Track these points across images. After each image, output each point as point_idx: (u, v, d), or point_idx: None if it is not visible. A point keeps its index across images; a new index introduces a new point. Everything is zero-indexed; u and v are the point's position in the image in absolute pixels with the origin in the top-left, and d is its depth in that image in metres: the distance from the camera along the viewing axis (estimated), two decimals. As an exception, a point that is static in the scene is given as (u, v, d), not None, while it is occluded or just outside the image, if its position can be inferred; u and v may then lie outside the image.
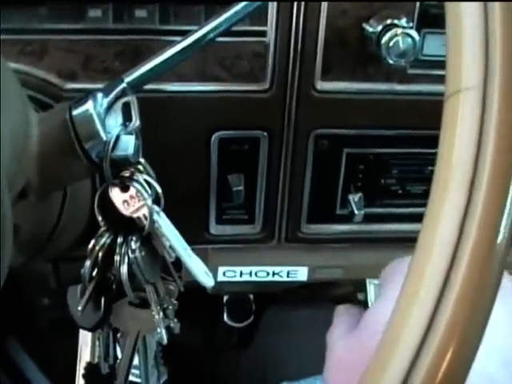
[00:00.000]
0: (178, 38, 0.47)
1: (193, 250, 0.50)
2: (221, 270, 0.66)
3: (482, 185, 0.23)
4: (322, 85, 0.61)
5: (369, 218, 0.67)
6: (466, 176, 0.23)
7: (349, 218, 0.66)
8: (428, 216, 0.25)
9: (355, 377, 0.36)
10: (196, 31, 0.47)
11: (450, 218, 0.24)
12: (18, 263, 0.50)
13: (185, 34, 0.47)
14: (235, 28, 0.55)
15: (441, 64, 0.61)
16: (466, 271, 0.24)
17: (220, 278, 0.66)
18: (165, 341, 0.48)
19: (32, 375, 1.08)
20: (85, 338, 0.50)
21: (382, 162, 0.66)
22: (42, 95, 0.56)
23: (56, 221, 0.50)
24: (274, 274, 0.68)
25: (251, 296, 0.75)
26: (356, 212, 0.65)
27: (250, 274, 0.67)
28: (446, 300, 0.24)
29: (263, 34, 0.59)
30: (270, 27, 0.58)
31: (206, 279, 0.47)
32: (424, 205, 0.69)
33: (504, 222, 0.24)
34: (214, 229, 0.66)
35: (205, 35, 0.48)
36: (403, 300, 0.26)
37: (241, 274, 0.67)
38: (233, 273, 0.67)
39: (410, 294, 0.25)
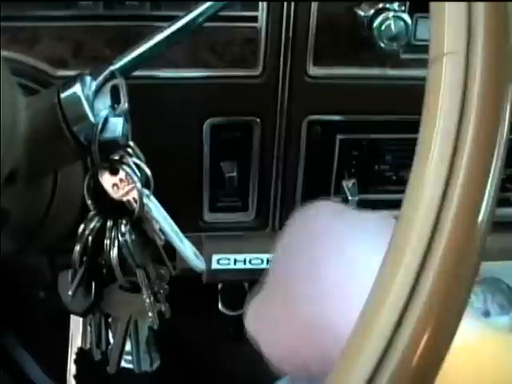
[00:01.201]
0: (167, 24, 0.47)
1: (186, 237, 0.50)
2: (215, 257, 0.66)
3: (465, 150, 0.23)
4: (314, 70, 0.61)
5: (363, 205, 0.66)
6: (449, 141, 0.23)
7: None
8: (410, 185, 0.25)
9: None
10: (184, 16, 0.47)
11: (431, 189, 0.24)
12: (9, 250, 0.50)
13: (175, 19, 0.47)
14: (226, 13, 0.55)
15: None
16: (445, 250, 0.24)
17: (214, 265, 0.66)
18: (156, 325, 0.48)
19: (28, 368, 1.08)
20: (76, 324, 0.50)
21: (376, 148, 0.66)
22: (33, 83, 0.55)
23: (46, 207, 0.49)
24: (268, 261, 0.68)
25: (246, 284, 0.75)
26: (350, 198, 0.65)
27: (244, 261, 0.67)
28: (422, 285, 0.24)
29: (255, 19, 0.58)
30: (262, 12, 0.58)
31: (198, 263, 0.47)
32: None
33: (487, 193, 0.23)
34: (208, 216, 0.66)
35: (194, 20, 0.47)
36: (379, 285, 0.25)
37: (235, 261, 0.67)
38: (227, 260, 0.67)
39: (387, 280, 0.25)
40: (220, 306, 0.69)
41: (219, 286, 0.73)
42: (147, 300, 0.47)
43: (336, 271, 0.41)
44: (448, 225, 0.23)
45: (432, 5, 0.23)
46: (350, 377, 0.24)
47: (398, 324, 0.23)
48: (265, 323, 0.45)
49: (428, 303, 0.23)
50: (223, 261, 0.67)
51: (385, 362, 0.23)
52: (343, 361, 0.25)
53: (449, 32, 0.22)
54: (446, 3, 0.23)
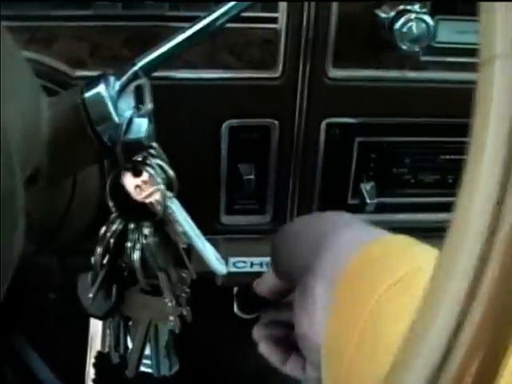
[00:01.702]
0: (186, 25, 0.46)
1: (203, 239, 0.49)
2: (231, 260, 0.65)
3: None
4: (333, 72, 0.60)
5: (380, 208, 0.66)
6: (504, 148, 0.22)
7: (360, 208, 0.65)
8: (460, 193, 0.24)
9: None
10: (206, 17, 0.47)
11: (486, 195, 0.23)
12: (27, 252, 0.49)
13: (194, 20, 0.46)
14: (246, 14, 0.54)
15: (454, 51, 0.61)
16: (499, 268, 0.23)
17: (230, 268, 0.65)
18: (178, 329, 0.47)
19: (38, 369, 1.08)
20: (95, 327, 0.49)
21: (394, 151, 0.65)
22: (51, 83, 0.55)
23: (66, 208, 0.49)
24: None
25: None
26: (368, 201, 0.64)
27: (261, 264, 0.66)
28: (478, 297, 0.23)
29: (274, 20, 0.58)
30: (282, 13, 0.58)
31: (220, 267, 0.46)
32: (436, 194, 0.69)
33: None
34: (225, 219, 0.65)
35: (216, 20, 0.47)
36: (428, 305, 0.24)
37: (251, 264, 0.66)
38: (243, 263, 0.66)
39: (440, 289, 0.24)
40: (235, 309, 0.68)
41: (234, 289, 0.72)
42: (169, 303, 0.46)
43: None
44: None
45: (482, 5, 0.23)
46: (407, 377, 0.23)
47: (454, 334, 0.22)
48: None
49: (479, 327, 0.22)
50: (239, 264, 0.66)
51: (443, 368, 0.22)
52: (398, 362, 0.24)
53: (501, 33, 0.22)
54: (497, 3, 0.22)
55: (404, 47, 0.58)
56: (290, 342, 0.60)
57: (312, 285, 0.46)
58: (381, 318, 0.39)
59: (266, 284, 0.59)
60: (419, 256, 0.42)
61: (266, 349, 0.61)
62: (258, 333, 0.62)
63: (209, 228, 0.63)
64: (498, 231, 0.22)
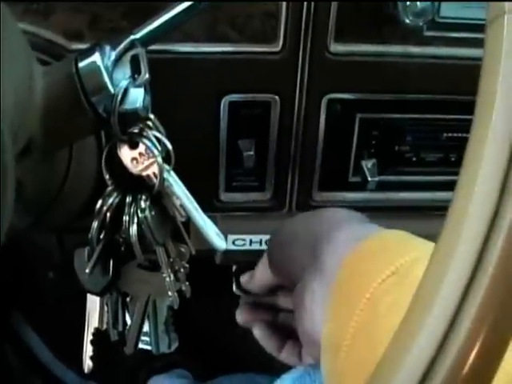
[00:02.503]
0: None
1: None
2: (230, 238, 0.64)
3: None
4: (335, 47, 0.59)
5: (382, 186, 0.65)
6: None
7: (362, 186, 0.64)
8: (463, 170, 0.23)
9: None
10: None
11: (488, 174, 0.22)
12: (22, 225, 0.48)
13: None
14: (246, -14, 0.53)
15: (458, 26, 0.59)
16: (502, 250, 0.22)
17: (229, 246, 0.64)
18: (177, 305, 0.46)
19: (37, 348, 1.07)
20: (93, 303, 0.49)
21: (396, 128, 0.64)
22: (47, 56, 0.54)
23: (61, 182, 0.48)
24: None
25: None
26: (369, 179, 0.63)
27: (260, 242, 0.66)
28: (478, 281, 0.22)
29: (275, -8, 0.56)
30: (283, -15, 0.56)
31: (219, 242, 0.45)
32: (439, 173, 0.68)
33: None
34: (224, 196, 0.64)
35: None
36: (430, 280, 0.23)
37: (250, 242, 0.65)
38: (242, 241, 0.65)
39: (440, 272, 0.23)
40: (234, 288, 0.68)
41: (233, 267, 0.72)
42: (167, 279, 0.45)
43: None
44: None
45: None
46: (397, 376, 0.22)
47: (452, 324, 0.21)
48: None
49: (484, 303, 0.22)
50: (239, 241, 0.65)
51: (436, 365, 0.21)
52: (388, 359, 0.23)
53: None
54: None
55: (407, 21, 0.57)
56: (284, 328, 0.60)
57: (311, 284, 0.46)
58: (377, 308, 0.39)
59: (258, 281, 0.60)
60: (415, 248, 0.42)
61: (261, 336, 0.61)
62: (245, 316, 0.62)
63: (207, 205, 0.63)
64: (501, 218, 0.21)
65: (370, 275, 0.40)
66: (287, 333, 0.60)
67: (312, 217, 0.53)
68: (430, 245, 0.41)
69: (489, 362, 0.22)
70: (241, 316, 0.62)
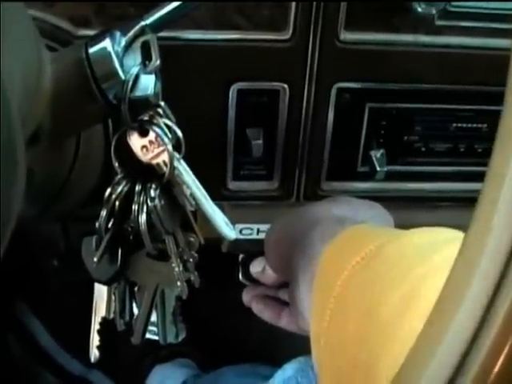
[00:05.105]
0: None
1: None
2: (237, 227, 0.64)
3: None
4: (345, 35, 0.58)
5: (390, 176, 0.64)
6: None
7: (370, 176, 0.64)
8: (489, 173, 0.22)
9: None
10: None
11: None
12: (29, 213, 0.48)
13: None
14: (256, -26, 0.53)
15: (470, 15, 0.59)
16: None
17: (236, 235, 0.64)
18: (185, 295, 0.46)
19: (41, 337, 1.07)
20: (100, 292, 0.48)
21: (406, 118, 0.63)
22: (54, 42, 0.53)
23: (69, 170, 0.47)
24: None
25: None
26: (378, 169, 0.63)
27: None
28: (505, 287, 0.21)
29: (285, -21, 0.56)
30: (293, -27, 0.56)
31: (228, 231, 0.45)
32: (448, 163, 0.67)
33: None
34: (232, 184, 0.64)
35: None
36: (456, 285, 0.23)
37: (258, 231, 0.65)
38: (250, 230, 0.65)
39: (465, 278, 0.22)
40: (240, 277, 0.67)
41: (240, 256, 0.71)
42: (176, 268, 0.45)
43: None
44: None
45: None
46: (423, 378, 0.22)
47: (480, 327, 0.21)
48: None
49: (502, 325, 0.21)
50: (246, 231, 0.65)
51: (464, 368, 0.21)
52: (412, 360, 0.23)
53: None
54: None
55: (419, 10, 0.56)
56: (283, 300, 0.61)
57: (297, 284, 0.48)
58: (346, 290, 0.40)
59: (269, 276, 0.60)
60: (381, 235, 0.43)
61: (258, 307, 0.62)
62: (248, 296, 0.64)
63: (215, 194, 0.62)
64: None
65: (342, 265, 0.41)
66: (285, 302, 0.61)
67: (296, 215, 0.54)
68: (399, 231, 0.43)
69: None
70: (245, 296, 0.63)
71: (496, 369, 0.20)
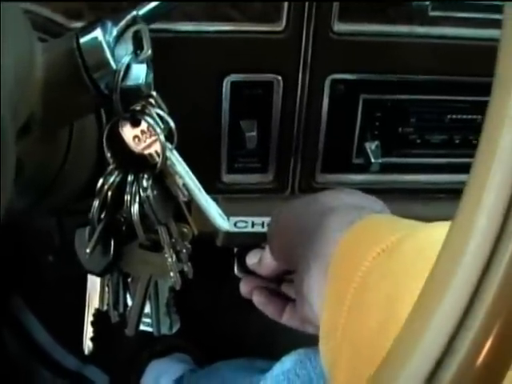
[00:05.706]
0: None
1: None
2: (232, 220, 0.64)
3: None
4: (339, 26, 0.58)
5: (385, 168, 0.64)
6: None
7: (365, 168, 0.64)
8: (478, 154, 0.22)
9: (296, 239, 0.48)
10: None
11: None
12: (21, 206, 0.48)
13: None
14: (248, -36, 0.52)
15: (464, 6, 0.58)
16: None
17: (231, 228, 0.63)
18: (179, 286, 0.46)
19: (36, 332, 1.07)
20: (93, 284, 0.48)
21: (400, 110, 0.63)
22: (46, 35, 0.53)
23: (62, 161, 0.47)
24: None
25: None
26: (373, 161, 0.63)
27: (262, 224, 0.65)
28: (491, 277, 0.21)
29: (278, -30, 0.55)
30: (286, -36, 0.55)
31: (221, 221, 0.45)
32: (443, 155, 0.67)
33: None
34: (226, 177, 0.64)
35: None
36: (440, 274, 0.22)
37: (252, 224, 0.64)
38: (244, 223, 0.64)
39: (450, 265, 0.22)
40: (236, 270, 0.67)
41: (235, 250, 0.71)
42: (169, 259, 0.45)
43: None
44: None
45: None
46: (404, 373, 0.22)
47: (463, 318, 0.21)
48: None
49: (496, 297, 0.21)
50: (240, 223, 0.65)
51: (446, 362, 0.21)
52: (394, 355, 0.23)
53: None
54: None
55: (413, 1, 0.56)
56: (284, 295, 0.60)
57: (307, 271, 0.46)
58: (367, 284, 0.39)
59: (267, 266, 0.59)
60: (403, 227, 0.42)
61: (260, 300, 0.60)
62: (246, 287, 0.62)
63: (209, 187, 0.62)
64: None
65: (362, 255, 0.40)
66: (287, 298, 0.60)
67: (306, 203, 0.53)
68: (418, 224, 0.42)
69: (505, 351, 0.21)
70: (244, 286, 0.62)
71: (478, 363, 0.20)
